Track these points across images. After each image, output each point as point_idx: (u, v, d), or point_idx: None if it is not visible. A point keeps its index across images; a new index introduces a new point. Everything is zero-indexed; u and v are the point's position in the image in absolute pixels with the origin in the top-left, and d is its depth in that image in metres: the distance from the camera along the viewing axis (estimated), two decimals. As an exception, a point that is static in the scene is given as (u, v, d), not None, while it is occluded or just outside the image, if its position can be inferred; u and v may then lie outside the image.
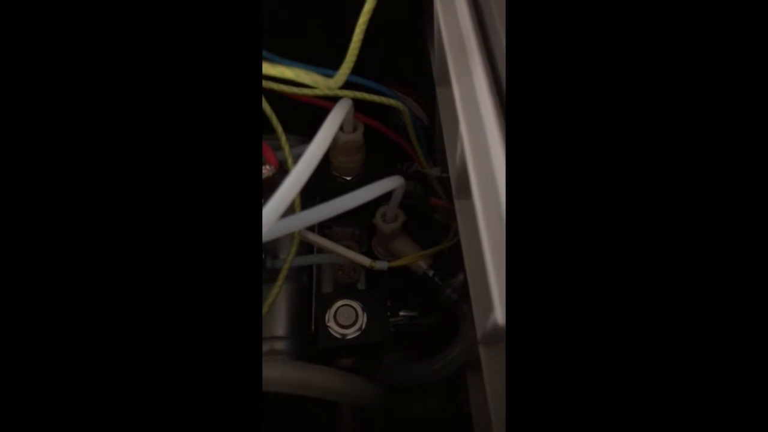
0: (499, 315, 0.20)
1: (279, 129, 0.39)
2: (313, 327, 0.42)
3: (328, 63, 0.34)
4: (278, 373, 0.31)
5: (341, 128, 0.39)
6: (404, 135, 0.46)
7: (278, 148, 0.41)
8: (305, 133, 0.36)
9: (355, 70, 0.38)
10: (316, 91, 0.38)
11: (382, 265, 0.39)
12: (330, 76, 0.30)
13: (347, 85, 0.39)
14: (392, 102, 0.39)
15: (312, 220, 0.33)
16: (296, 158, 0.35)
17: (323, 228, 0.49)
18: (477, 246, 0.23)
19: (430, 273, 0.43)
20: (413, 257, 0.41)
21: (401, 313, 0.45)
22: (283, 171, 0.39)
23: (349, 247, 0.48)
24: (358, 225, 0.50)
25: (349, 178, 0.44)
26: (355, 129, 0.40)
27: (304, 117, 0.37)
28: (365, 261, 0.39)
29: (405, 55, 0.50)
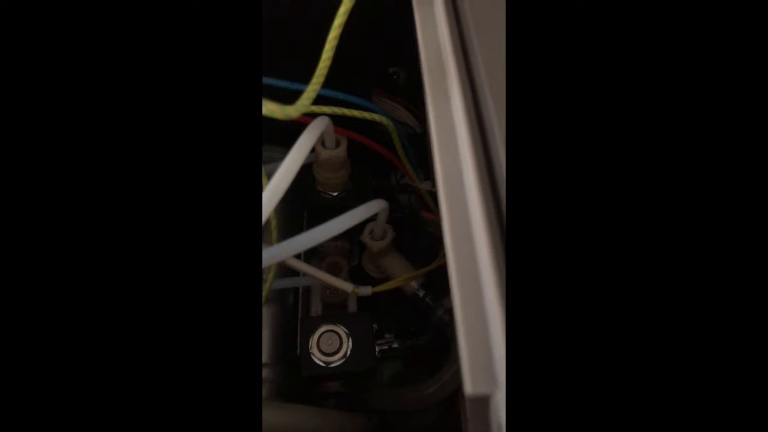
0: (468, 384, 0.18)
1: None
2: (298, 351, 0.40)
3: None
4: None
5: (323, 144, 0.37)
6: (394, 147, 0.44)
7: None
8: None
9: (341, 80, 0.36)
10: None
11: (365, 290, 0.37)
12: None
13: (326, 100, 0.37)
14: (374, 116, 0.37)
15: (294, 250, 0.32)
16: (271, 175, 0.33)
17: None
18: (452, 294, 0.21)
19: (421, 293, 0.41)
20: (399, 281, 0.39)
21: (391, 335, 0.43)
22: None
23: (337, 263, 0.46)
24: (347, 239, 0.48)
25: (334, 194, 0.42)
26: (337, 144, 0.37)
27: (296, 128, 0.35)
28: (348, 287, 0.37)
29: (397, 61, 0.48)
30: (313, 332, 0.37)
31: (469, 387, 0.17)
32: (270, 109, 0.22)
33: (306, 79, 0.28)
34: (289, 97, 0.27)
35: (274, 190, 0.28)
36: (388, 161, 0.44)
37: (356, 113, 0.36)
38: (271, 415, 0.30)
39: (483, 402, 0.18)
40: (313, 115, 0.34)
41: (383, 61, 0.47)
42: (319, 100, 0.32)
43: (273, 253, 0.31)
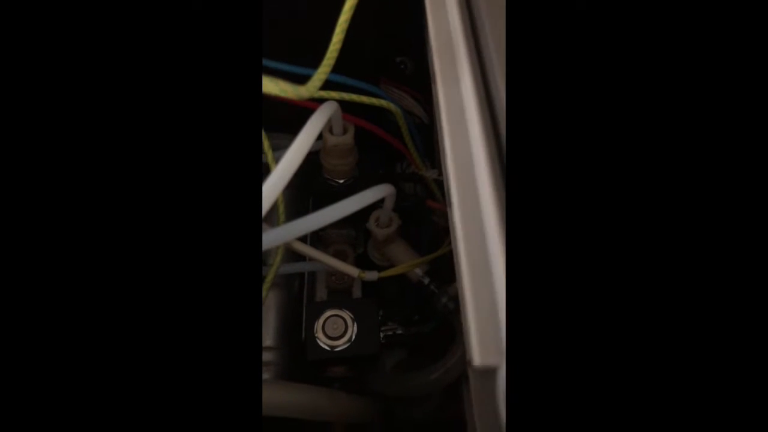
0: (476, 356, 0.18)
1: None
2: (303, 336, 0.41)
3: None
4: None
5: (330, 131, 0.38)
6: (401, 135, 0.44)
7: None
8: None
9: (348, 67, 0.36)
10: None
11: (371, 276, 0.38)
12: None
13: (334, 85, 0.37)
14: (383, 103, 0.37)
15: (299, 232, 0.32)
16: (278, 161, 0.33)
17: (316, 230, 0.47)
18: (459, 269, 0.22)
19: (426, 281, 0.41)
20: (405, 266, 0.39)
21: (395, 322, 0.43)
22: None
23: (342, 251, 0.46)
24: (353, 226, 0.48)
25: (341, 181, 0.42)
26: (345, 131, 0.38)
27: (304, 116, 0.36)
28: (354, 272, 0.37)
29: (404, 50, 0.48)
30: (318, 316, 0.37)
31: (477, 358, 0.18)
32: (282, 88, 0.22)
33: (314, 65, 0.28)
34: (298, 82, 0.27)
35: (281, 173, 0.28)
36: (394, 151, 0.44)
37: (364, 99, 0.37)
38: (278, 394, 0.30)
39: (490, 374, 0.18)
40: (321, 101, 0.34)
41: (391, 50, 0.47)
42: (327, 85, 0.32)
43: (278, 235, 0.31)
